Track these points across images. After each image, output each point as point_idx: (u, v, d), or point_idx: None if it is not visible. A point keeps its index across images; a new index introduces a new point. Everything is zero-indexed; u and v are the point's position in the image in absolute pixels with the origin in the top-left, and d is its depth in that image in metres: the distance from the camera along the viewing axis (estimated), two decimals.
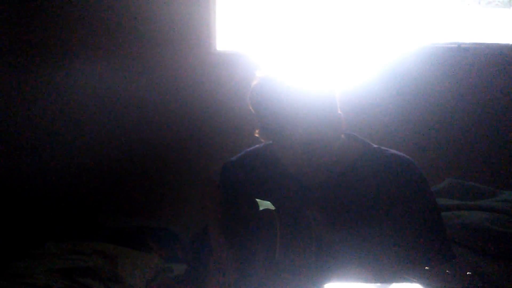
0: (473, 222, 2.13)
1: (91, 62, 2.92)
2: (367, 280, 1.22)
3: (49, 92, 2.98)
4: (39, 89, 2.98)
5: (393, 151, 1.48)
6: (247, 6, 2.99)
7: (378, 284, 1.15)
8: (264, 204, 1.40)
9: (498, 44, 2.91)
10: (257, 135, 1.46)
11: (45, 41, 2.96)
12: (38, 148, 3.02)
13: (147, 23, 2.89)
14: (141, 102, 2.97)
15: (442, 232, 1.44)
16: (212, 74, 2.88)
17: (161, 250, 2.60)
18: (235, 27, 2.99)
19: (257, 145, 1.62)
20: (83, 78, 2.94)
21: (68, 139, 3.02)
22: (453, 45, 2.85)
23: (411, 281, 1.17)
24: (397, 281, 1.19)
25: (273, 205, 1.42)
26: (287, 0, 2.96)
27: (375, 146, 1.50)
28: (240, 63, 2.80)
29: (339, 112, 1.42)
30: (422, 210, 1.41)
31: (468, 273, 1.17)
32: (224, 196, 1.61)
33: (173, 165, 2.99)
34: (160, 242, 2.65)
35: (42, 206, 2.88)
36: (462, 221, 2.15)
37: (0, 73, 2.97)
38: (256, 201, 1.38)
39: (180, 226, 2.76)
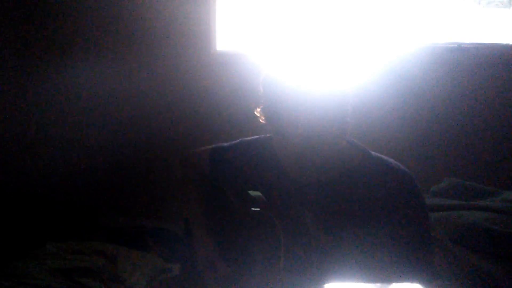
0: (473, 222, 2.13)
1: (91, 62, 2.92)
2: (365, 281, 1.22)
3: (49, 92, 2.98)
4: (39, 89, 2.98)
5: (392, 161, 1.47)
6: (247, 6, 2.99)
7: (378, 284, 1.15)
8: (254, 195, 1.38)
9: (498, 44, 2.91)
10: (257, 113, 1.44)
11: (45, 41, 2.96)
12: (38, 149, 3.02)
13: (147, 23, 2.89)
14: (141, 102, 2.97)
15: (426, 251, 1.41)
16: (212, 74, 2.88)
17: (161, 250, 2.60)
18: (235, 27, 2.99)
19: (255, 136, 1.60)
20: (82, 78, 2.94)
21: (68, 139, 3.02)
22: (453, 45, 2.85)
23: (411, 281, 1.17)
24: (397, 281, 1.19)
25: (266, 199, 1.41)
26: (287, 0, 2.96)
27: (374, 155, 1.48)
28: (240, 63, 2.80)
29: (348, 118, 1.41)
30: (412, 224, 1.39)
31: None
32: (212, 184, 1.59)
33: (172, 165, 2.99)
34: (160, 242, 2.65)
35: (42, 206, 2.88)
36: (462, 221, 2.15)
37: (0, 73, 2.97)
38: (247, 192, 1.36)
39: (180, 226, 2.75)
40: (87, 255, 2.39)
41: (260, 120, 1.44)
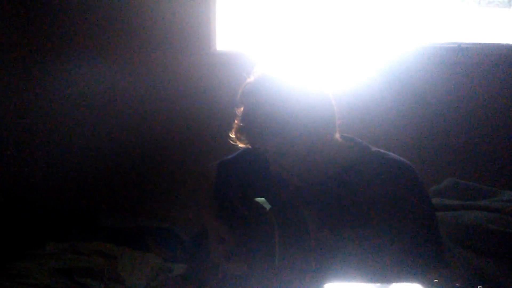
0: (473, 222, 2.13)
1: (91, 62, 2.92)
2: (365, 281, 1.22)
3: (49, 92, 2.98)
4: (39, 89, 2.98)
5: (392, 155, 1.47)
6: (247, 6, 2.99)
7: (378, 284, 1.15)
8: (258, 201, 1.39)
9: (498, 44, 2.90)
10: (233, 135, 1.45)
11: (45, 41, 2.96)
12: (38, 148, 3.02)
13: (147, 23, 2.89)
14: (141, 102, 2.97)
15: (436, 240, 1.42)
16: (212, 74, 2.88)
17: (161, 250, 2.60)
18: (235, 27, 2.99)
19: None
20: (82, 78, 2.94)
21: (68, 139, 3.02)
22: (453, 45, 2.85)
23: (411, 281, 1.17)
24: (397, 281, 1.19)
25: (269, 203, 1.42)
26: (287, 0, 2.96)
27: (374, 149, 1.48)
28: (240, 63, 2.78)
29: (333, 113, 1.41)
30: (418, 217, 1.39)
31: (479, 287, 1.15)
32: (218, 195, 1.60)
33: (173, 165, 2.99)
34: (160, 242, 2.65)
35: (42, 206, 2.88)
36: (462, 221, 2.15)
37: (0, 73, 2.97)
38: (252, 200, 1.37)
39: (180, 226, 2.75)
40: (87, 255, 2.39)
41: (239, 144, 1.44)
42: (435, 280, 1.17)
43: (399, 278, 1.25)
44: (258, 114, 1.38)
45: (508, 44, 2.90)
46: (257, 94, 1.39)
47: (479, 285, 1.14)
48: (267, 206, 1.42)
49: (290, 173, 1.43)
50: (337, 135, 1.46)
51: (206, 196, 1.66)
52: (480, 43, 2.88)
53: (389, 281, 1.20)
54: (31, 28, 2.95)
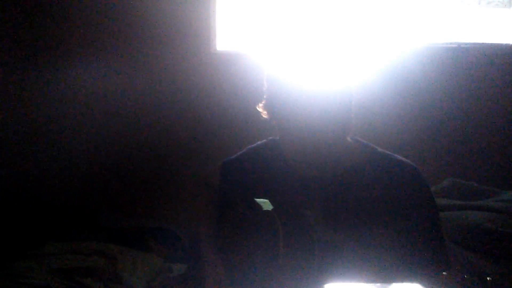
0: (473, 222, 2.13)
1: (91, 62, 2.92)
2: (368, 281, 1.22)
3: (49, 92, 2.98)
4: (39, 89, 2.98)
5: (398, 156, 1.47)
6: (247, 6, 2.99)
7: (378, 284, 1.15)
8: (261, 202, 1.39)
9: (498, 44, 2.91)
10: (259, 109, 1.46)
11: (45, 41, 2.96)
12: (38, 148, 3.02)
13: (147, 23, 2.89)
14: (141, 102, 2.97)
15: (440, 242, 1.44)
16: (212, 74, 2.88)
17: (161, 250, 2.60)
18: (235, 27, 2.99)
19: (259, 142, 1.61)
20: (82, 78, 2.94)
21: (68, 139, 3.02)
22: (453, 45, 2.86)
23: (411, 281, 1.17)
24: (397, 281, 1.19)
25: (273, 204, 1.41)
26: (287, 0, 2.96)
27: (381, 150, 1.49)
28: (240, 63, 2.80)
29: (352, 115, 1.42)
30: (422, 219, 1.41)
31: (488, 278, 1.16)
32: (222, 197, 1.60)
33: (173, 165, 2.99)
34: (160, 242, 2.65)
35: (42, 206, 2.88)
36: (462, 221, 2.15)
37: (0, 73, 2.97)
38: (256, 201, 1.37)
39: (180, 226, 2.76)
40: (87, 255, 2.39)
41: (262, 115, 1.45)
42: (444, 273, 1.18)
43: (402, 279, 1.25)
44: (279, 91, 1.40)
45: (508, 44, 2.90)
46: (280, 71, 1.40)
47: (479, 285, 1.14)
48: (270, 207, 1.42)
49: (302, 157, 1.43)
50: (348, 136, 1.47)
51: (209, 211, 1.66)
52: (480, 43, 2.88)
53: (392, 281, 1.20)
54: (31, 28, 2.95)
